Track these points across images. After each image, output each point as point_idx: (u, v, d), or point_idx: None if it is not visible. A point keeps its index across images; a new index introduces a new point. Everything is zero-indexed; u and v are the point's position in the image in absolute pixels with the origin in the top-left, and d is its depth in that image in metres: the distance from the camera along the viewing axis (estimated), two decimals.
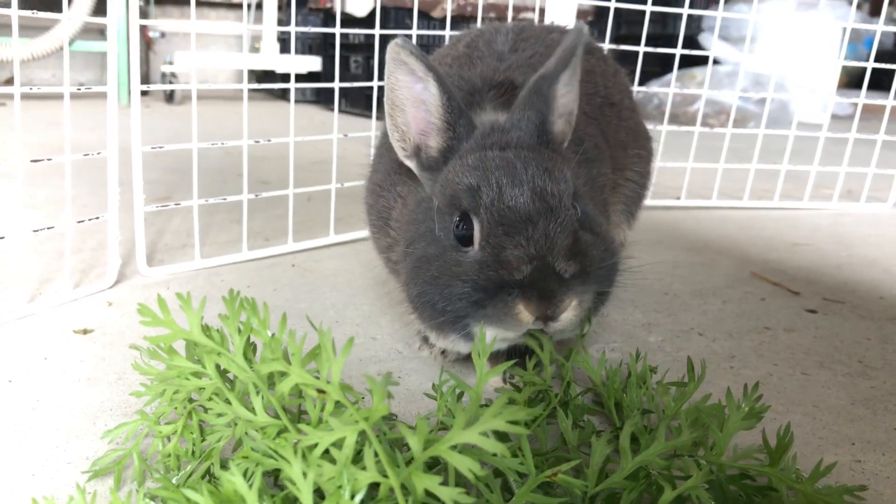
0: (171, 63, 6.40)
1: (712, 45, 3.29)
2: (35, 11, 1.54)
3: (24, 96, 1.56)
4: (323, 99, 6.98)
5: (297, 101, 2.20)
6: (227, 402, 0.94)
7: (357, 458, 0.82)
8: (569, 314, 1.05)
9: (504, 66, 1.45)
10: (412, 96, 1.23)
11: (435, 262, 1.13)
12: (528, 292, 1.02)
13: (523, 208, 1.06)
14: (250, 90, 2.06)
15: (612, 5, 2.88)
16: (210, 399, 0.98)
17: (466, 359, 1.49)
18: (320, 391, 0.81)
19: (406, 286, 1.20)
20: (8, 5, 1.49)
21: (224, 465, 1.01)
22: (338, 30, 2.24)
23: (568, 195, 1.10)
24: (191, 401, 1.08)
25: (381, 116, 1.72)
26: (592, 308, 1.14)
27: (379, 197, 1.42)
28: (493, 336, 1.10)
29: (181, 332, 0.95)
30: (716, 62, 5.65)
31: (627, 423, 0.93)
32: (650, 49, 2.94)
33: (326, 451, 0.80)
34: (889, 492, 1.14)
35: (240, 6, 7.49)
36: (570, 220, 1.08)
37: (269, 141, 2.17)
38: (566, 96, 1.21)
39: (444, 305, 1.10)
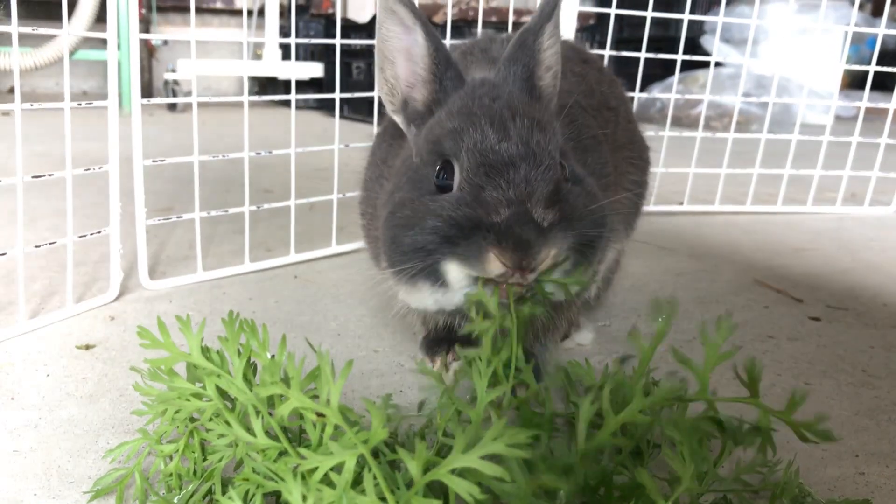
0: (173, 71, 6.41)
1: (714, 48, 3.28)
2: (35, 28, 1.54)
3: (25, 106, 1.57)
4: (325, 105, 6.99)
5: (299, 108, 2.20)
6: (228, 423, 0.94)
7: (357, 480, 0.82)
8: (547, 261, 1.00)
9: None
10: (401, 47, 1.22)
11: (411, 204, 1.10)
12: (502, 238, 0.98)
13: (506, 151, 1.04)
14: (253, 97, 2.06)
15: (613, 12, 2.88)
16: (211, 420, 0.97)
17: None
18: (319, 414, 0.80)
19: (381, 236, 1.16)
20: (9, 12, 1.49)
21: (225, 486, 1.01)
22: (338, 41, 2.24)
23: (554, 146, 1.08)
24: (192, 420, 1.08)
25: (382, 123, 1.73)
26: (582, 263, 1.08)
27: (368, 190, 1.43)
28: (462, 278, 1.05)
29: (181, 355, 0.95)
30: (718, 64, 5.65)
31: (607, 381, 0.93)
32: (651, 55, 2.94)
33: (327, 474, 0.80)
34: None
35: (242, 13, 7.51)
36: (554, 169, 1.05)
37: (270, 153, 2.17)
38: (550, 48, 1.20)
39: (414, 241, 1.05)
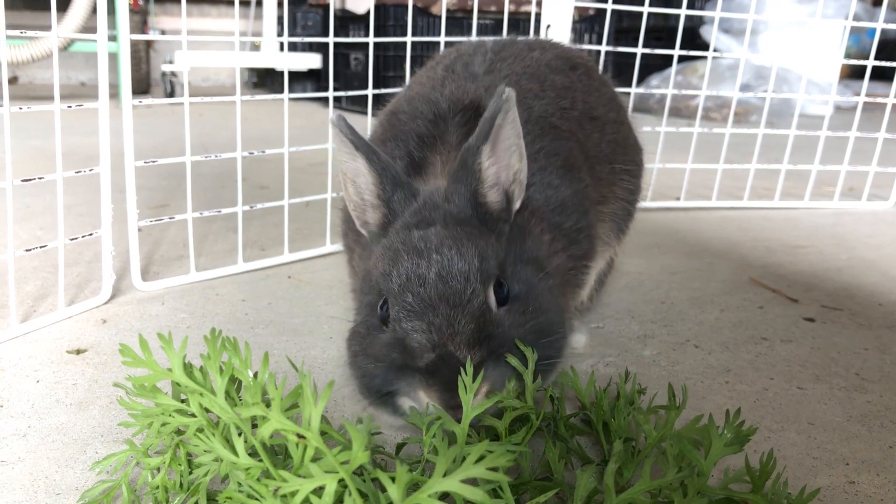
0: (171, 62, 6.39)
1: (712, 40, 3.26)
2: (23, 31, 1.53)
3: (22, 97, 1.56)
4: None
5: (296, 99, 2.19)
6: (212, 440, 0.93)
7: (340, 499, 0.82)
8: (479, 398, 1.03)
9: (474, 87, 1.44)
10: (350, 173, 1.24)
11: (359, 339, 1.16)
12: (429, 381, 1.02)
13: (425, 294, 1.06)
14: (249, 90, 2.05)
15: (609, 7, 2.86)
16: (195, 435, 0.97)
17: None
18: (300, 436, 0.80)
19: (345, 352, 1.22)
20: (10, 6, 1.48)
21: (211, 499, 1.00)
22: (331, 39, 2.23)
23: (478, 276, 1.07)
24: (178, 432, 1.08)
25: (376, 114, 1.72)
26: (538, 378, 1.10)
27: (349, 224, 1.44)
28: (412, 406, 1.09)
29: (163, 374, 0.95)
30: (717, 50, 5.62)
31: (613, 457, 0.93)
32: (648, 50, 2.93)
33: (307, 496, 0.79)
34: None
35: (242, 2, 7.48)
36: (476, 304, 1.05)
37: (263, 152, 2.16)
38: (492, 168, 1.18)
39: (364, 382, 1.12)
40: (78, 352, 1.58)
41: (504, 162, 1.19)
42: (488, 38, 1.73)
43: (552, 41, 1.79)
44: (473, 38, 2.51)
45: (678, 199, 3.14)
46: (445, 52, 1.71)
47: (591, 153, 1.47)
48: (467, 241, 1.11)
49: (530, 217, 1.29)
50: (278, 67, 6.71)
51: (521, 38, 1.75)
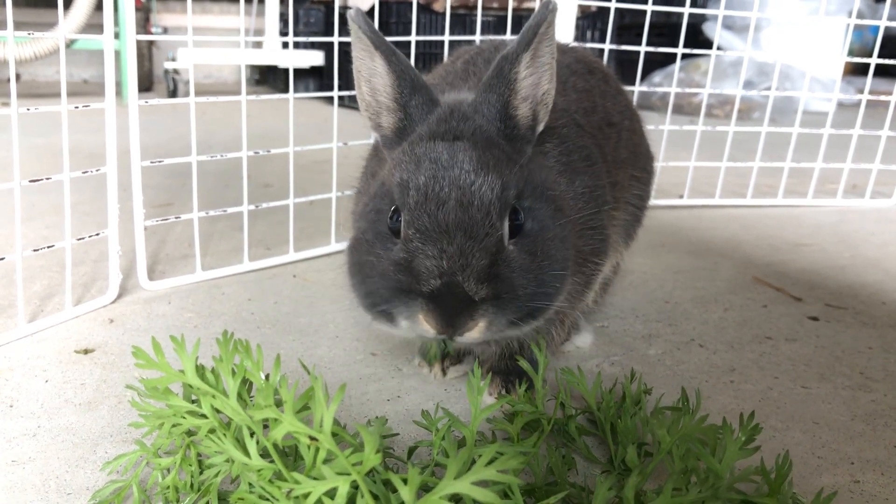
0: (173, 59, 6.39)
1: (716, 38, 3.26)
2: (31, 33, 1.53)
3: (25, 95, 1.57)
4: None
5: (300, 97, 2.20)
6: (223, 441, 0.94)
7: (351, 500, 0.83)
8: (474, 334, 1.03)
9: None
10: (367, 72, 1.22)
11: (365, 247, 1.13)
12: (430, 306, 1.01)
13: (443, 219, 1.03)
14: (252, 87, 2.06)
15: (613, 6, 2.86)
16: (207, 436, 0.98)
17: (465, 376, 1.50)
18: (313, 438, 0.81)
19: (346, 258, 1.21)
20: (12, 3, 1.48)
21: (222, 500, 1.01)
22: (336, 38, 2.23)
23: (498, 205, 1.06)
24: (189, 433, 1.08)
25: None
26: (523, 326, 1.10)
27: (357, 203, 1.43)
28: (409, 324, 1.07)
29: (176, 375, 0.95)
30: (719, 47, 5.61)
31: (631, 477, 0.93)
32: (651, 49, 2.93)
33: (320, 498, 0.80)
34: None
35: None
36: (492, 239, 1.04)
37: (268, 151, 2.17)
38: (529, 78, 1.16)
39: (366, 291, 1.11)
40: (86, 351, 1.59)
41: (539, 77, 1.17)
42: (510, 37, 1.73)
43: (570, 45, 1.79)
44: (477, 35, 2.52)
45: (681, 196, 3.14)
46: (465, 49, 1.71)
47: (608, 157, 1.47)
48: (494, 164, 1.08)
49: (552, 172, 1.27)
50: (282, 65, 6.72)
51: None
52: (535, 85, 1.18)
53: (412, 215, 1.06)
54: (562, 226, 1.16)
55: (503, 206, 1.07)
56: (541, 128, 1.22)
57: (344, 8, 6.19)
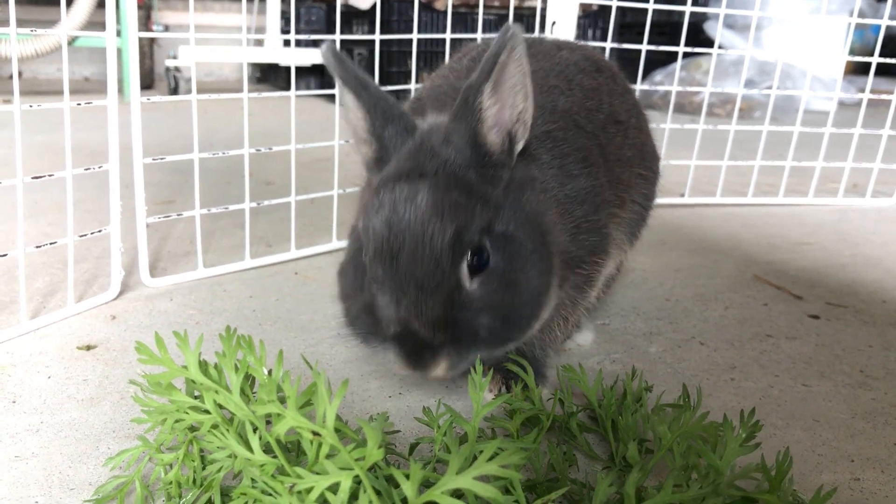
0: (174, 57, 6.39)
1: (717, 37, 3.27)
2: (34, 30, 1.54)
3: (27, 92, 1.57)
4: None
5: (301, 94, 2.20)
6: (226, 436, 0.95)
7: (354, 494, 0.83)
8: (439, 373, 1.08)
9: None
10: (346, 105, 1.24)
11: (348, 280, 1.21)
12: (396, 348, 1.08)
13: (396, 270, 1.07)
14: (253, 84, 2.06)
15: (614, 4, 2.87)
16: (209, 432, 0.98)
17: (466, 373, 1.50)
18: (316, 433, 0.81)
19: (336, 279, 1.28)
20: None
21: (225, 495, 1.02)
22: (338, 36, 2.24)
23: (450, 253, 1.06)
24: (192, 429, 1.09)
25: None
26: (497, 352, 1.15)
27: (357, 213, 1.44)
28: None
29: (179, 371, 0.96)
30: (721, 46, 5.61)
31: (632, 474, 0.93)
32: (652, 47, 2.93)
33: (323, 492, 0.80)
34: None
35: None
36: (444, 288, 1.06)
37: (270, 149, 2.17)
38: (493, 107, 1.14)
39: (348, 322, 1.19)
40: (88, 348, 1.59)
41: (509, 101, 1.15)
42: None
43: (578, 42, 1.79)
44: (479, 33, 2.52)
45: (682, 195, 3.15)
46: (472, 46, 1.71)
47: (611, 156, 1.47)
48: (452, 207, 1.08)
49: (541, 192, 1.26)
50: (283, 63, 6.72)
51: (548, 36, 1.75)
52: (508, 109, 1.16)
53: (371, 265, 1.10)
54: (539, 255, 1.16)
55: (458, 252, 1.08)
56: (520, 146, 1.20)
57: (345, 6, 6.19)
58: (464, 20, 5.73)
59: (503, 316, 1.11)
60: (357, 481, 0.81)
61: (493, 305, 1.10)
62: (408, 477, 0.76)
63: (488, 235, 1.12)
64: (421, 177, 1.12)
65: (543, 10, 3.06)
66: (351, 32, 6.22)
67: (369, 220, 1.12)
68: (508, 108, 1.15)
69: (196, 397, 1.03)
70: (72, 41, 5.24)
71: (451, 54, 1.92)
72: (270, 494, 0.88)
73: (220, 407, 0.99)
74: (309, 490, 0.79)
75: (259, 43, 6.88)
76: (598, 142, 1.44)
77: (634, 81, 2.94)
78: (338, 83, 1.22)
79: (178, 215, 2.04)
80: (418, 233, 1.07)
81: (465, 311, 1.08)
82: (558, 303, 1.35)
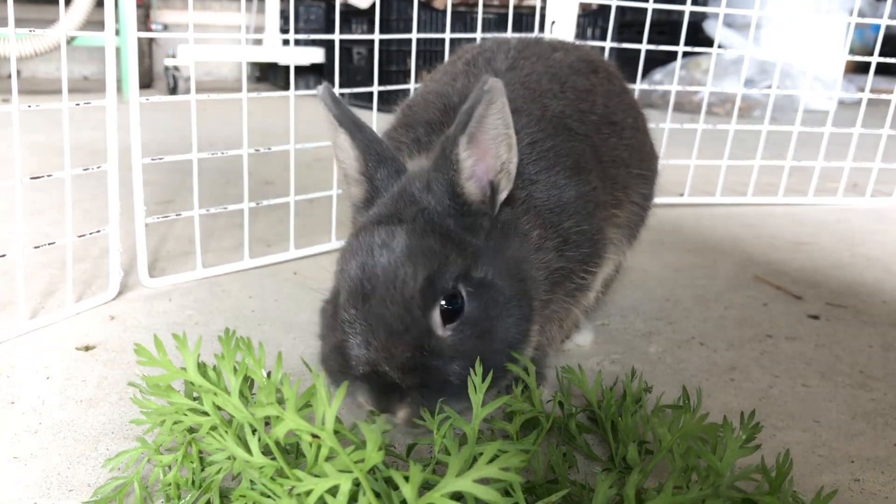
0: (173, 56, 6.39)
1: (717, 36, 3.26)
2: (32, 30, 1.53)
3: (25, 92, 1.57)
4: None
5: (301, 94, 2.19)
6: (225, 438, 0.94)
7: (353, 500, 0.83)
8: (405, 414, 1.07)
9: None
10: (336, 144, 1.25)
11: (326, 319, 1.19)
12: (364, 388, 1.07)
13: (367, 313, 1.07)
14: (252, 83, 2.05)
15: (614, 3, 2.86)
16: (208, 433, 0.98)
17: None
18: (315, 436, 0.81)
19: (319, 316, 1.26)
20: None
21: (224, 497, 1.01)
22: (337, 35, 2.23)
23: (420, 299, 1.06)
24: (191, 430, 1.09)
25: (381, 109, 1.72)
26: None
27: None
28: None
29: (177, 373, 0.96)
30: (720, 46, 5.60)
31: (632, 475, 0.93)
32: (652, 46, 2.93)
33: (322, 495, 0.80)
34: None
35: None
36: (413, 333, 1.06)
37: (269, 149, 2.17)
38: (470, 159, 1.14)
39: (322, 360, 1.16)
40: (87, 348, 1.59)
41: (491, 152, 1.15)
42: (513, 36, 1.73)
43: (576, 43, 1.78)
44: (478, 33, 2.52)
45: (682, 195, 3.14)
46: (468, 48, 1.71)
47: (605, 157, 1.46)
48: (426, 253, 1.09)
49: (524, 213, 1.26)
50: (282, 62, 6.71)
51: (546, 37, 1.75)
52: (491, 159, 1.15)
53: (344, 306, 1.10)
54: (517, 303, 1.16)
55: (430, 298, 1.07)
56: (503, 196, 1.19)
57: (344, 5, 6.18)
58: (463, 19, 5.73)
59: (478, 362, 1.09)
60: (356, 484, 0.80)
61: (465, 353, 1.09)
62: (407, 479, 0.76)
63: (465, 282, 1.11)
64: (399, 222, 1.13)
65: (543, 9, 3.06)
66: (350, 31, 6.21)
67: (345, 263, 1.13)
68: (492, 158, 1.16)
69: (195, 399, 1.03)
70: (71, 40, 5.24)
71: (450, 53, 1.92)
72: (269, 496, 0.87)
73: (219, 409, 0.99)
74: (308, 492, 0.78)
75: (258, 42, 6.88)
76: (592, 143, 1.43)
77: (634, 81, 2.93)
78: (332, 124, 1.22)
79: (177, 215, 2.03)
80: (390, 277, 1.07)
81: (437, 357, 1.07)
82: (554, 306, 1.35)
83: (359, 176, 1.23)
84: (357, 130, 1.21)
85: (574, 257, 1.33)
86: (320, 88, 1.22)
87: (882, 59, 3.14)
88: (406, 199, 1.17)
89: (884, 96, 3.26)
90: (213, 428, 0.99)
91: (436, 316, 1.08)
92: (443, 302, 1.09)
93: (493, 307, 1.12)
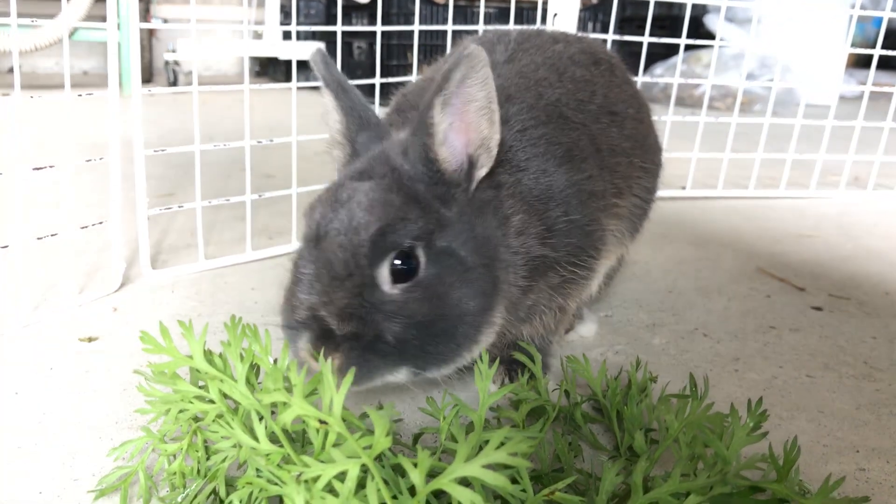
0: (174, 51, 6.38)
1: (718, 30, 3.26)
2: (34, 20, 1.53)
3: (25, 86, 1.56)
4: None
5: (301, 88, 2.19)
6: (231, 426, 0.94)
7: (360, 483, 0.83)
8: (336, 362, 1.05)
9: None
10: (325, 107, 1.26)
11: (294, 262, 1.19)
12: (302, 334, 1.06)
13: (316, 257, 1.08)
14: (252, 78, 2.05)
15: None
16: (214, 421, 0.98)
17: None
18: (322, 422, 0.81)
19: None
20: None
21: (229, 485, 1.01)
22: (339, 28, 2.23)
23: (369, 248, 1.06)
24: (196, 419, 1.08)
25: (383, 104, 1.71)
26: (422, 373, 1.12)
27: None
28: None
29: (183, 360, 0.95)
30: (721, 39, 5.59)
31: (639, 462, 0.93)
32: (654, 39, 2.92)
33: (329, 481, 0.80)
34: (893, 501, 1.14)
35: None
36: (355, 280, 1.06)
37: (271, 141, 2.16)
38: (444, 124, 1.12)
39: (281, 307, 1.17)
40: (90, 340, 1.59)
41: (473, 125, 1.14)
42: (514, 28, 1.73)
43: (580, 36, 1.77)
44: (480, 26, 2.51)
45: (684, 188, 3.14)
46: (468, 40, 1.70)
47: (604, 146, 1.45)
48: (386, 206, 1.09)
49: (509, 198, 1.25)
50: (282, 56, 6.70)
51: (548, 29, 1.74)
52: (469, 133, 1.14)
53: (299, 250, 1.13)
54: (478, 275, 1.14)
55: (379, 249, 1.07)
56: (482, 172, 1.18)
57: (346, 0, 6.17)
58: (464, 13, 5.72)
59: (423, 330, 1.08)
60: (364, 470, 0.80)
61: (410, 314, 1.08)
62: (415, 465, 0.76)
63: (426, 248, 1.10)
64: (368, 178, 1.14)
65: (544, 3, 3.05)
66: (351, 24, 6.21)
67: (311, 209, 1.14)
68: (473, 131, 1.14)
69: (200, 387, 1.03)
70: (72, 34, 5.23)
71: (451, 48, 1.92)
72: (276, 484, 0.87)
73: (225, 396, 0.99)
74: (316, 479, 0.78)
75: (258, 36, 6.87)
76: (589, 132, 1.42)
77: (635, 74, 2.93)
78: (321, 87, 1.24)
79: (180, 207, 2.03)
80: (344, 223, 1.08)
81: (377, 312, 1.06)
82: (537, 296, 1.33)
83: (341, 138, 1.25)
84: (342, 93, 1.22)
85: (558, 246, 1.30)
86: (314, 51, 1.23)
87: (883, 52, 3.13)
88: (381, 159, 1.17)
89: (885, 89, 3.25)
90: (219, 416, 0.98)
91: (384, 270, 1.08)
92: (397, 261, 1.08)
93: (450, 275, 1.11)
